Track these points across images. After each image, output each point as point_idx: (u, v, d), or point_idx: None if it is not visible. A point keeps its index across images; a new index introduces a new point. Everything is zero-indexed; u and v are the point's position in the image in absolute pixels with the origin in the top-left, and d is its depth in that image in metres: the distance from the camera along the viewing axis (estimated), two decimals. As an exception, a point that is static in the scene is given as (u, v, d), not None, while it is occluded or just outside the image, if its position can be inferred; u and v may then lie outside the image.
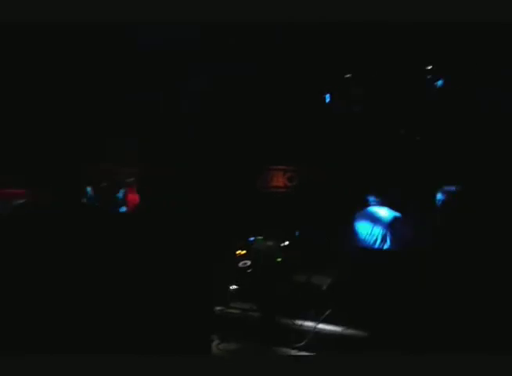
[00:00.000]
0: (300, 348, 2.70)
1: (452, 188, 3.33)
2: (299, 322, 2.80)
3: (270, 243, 3.39)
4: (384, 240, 3.63)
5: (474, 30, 4.01)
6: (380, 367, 1.73)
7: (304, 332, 2.75)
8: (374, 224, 3.67)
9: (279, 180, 5.36)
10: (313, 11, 2.80)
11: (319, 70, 5.02)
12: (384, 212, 3.72)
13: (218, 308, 2.89)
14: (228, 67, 4.98)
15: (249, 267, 3.15)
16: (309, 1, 2.80)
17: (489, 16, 2.51)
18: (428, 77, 4.86)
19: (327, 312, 2.77)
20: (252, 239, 3.46)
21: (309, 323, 2.78)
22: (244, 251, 3.29)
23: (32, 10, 2.61)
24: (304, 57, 4.84)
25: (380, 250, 3.57)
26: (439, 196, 3.34)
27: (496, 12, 2.48)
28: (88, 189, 4.39)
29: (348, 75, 5.16)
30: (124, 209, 4.46)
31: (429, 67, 4.84)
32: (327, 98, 5.28)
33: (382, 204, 3.77)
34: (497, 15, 2.49)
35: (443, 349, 1.73)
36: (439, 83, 4.85)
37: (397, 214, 3.71)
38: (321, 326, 2.75)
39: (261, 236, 3.49)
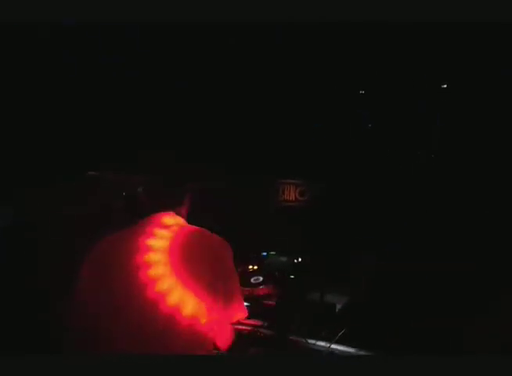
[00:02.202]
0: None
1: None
2: (312, 341, 2.75)
3: (284, 258, 3.29)
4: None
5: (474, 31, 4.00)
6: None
7: (317, 351, 2.71)
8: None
9: (290, 194, 5.34)
10: (313, 11, 2.80)
11: (324, 75, 5.00)
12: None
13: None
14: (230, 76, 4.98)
15: (261, 283, 3.06)
16: (309, 1, 2.80)
17: (489, 16, 2.51)
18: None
19: (341, 332, 2.65)
20: (265, 254, 3.36)
21: (322, 343, 2.73)
22: (256, 267, 3.21)
23: (30, 10, 2.61)
24: (304, 58, 4.83)
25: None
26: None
27: (496, 12, 2.48)
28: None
29: (362, 91, 5.13)
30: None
31: (444, 86, 4.81)
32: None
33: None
34: (497, 15, 2.49)
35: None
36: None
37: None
38: (334, 346, 2.63)
39: (273, 251, 3.39)
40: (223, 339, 2.02)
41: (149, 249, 1.80)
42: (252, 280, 3.07)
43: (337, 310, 2.98)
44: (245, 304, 2.80)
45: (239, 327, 2.78)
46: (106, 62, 4.59)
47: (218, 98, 5.21)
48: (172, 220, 1.95)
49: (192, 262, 1.83)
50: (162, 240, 1.84)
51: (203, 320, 1.81)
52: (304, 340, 2.68)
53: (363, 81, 5.11)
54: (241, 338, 2.70)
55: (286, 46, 4.73)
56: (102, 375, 1.54)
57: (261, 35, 4.47)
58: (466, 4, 2.50)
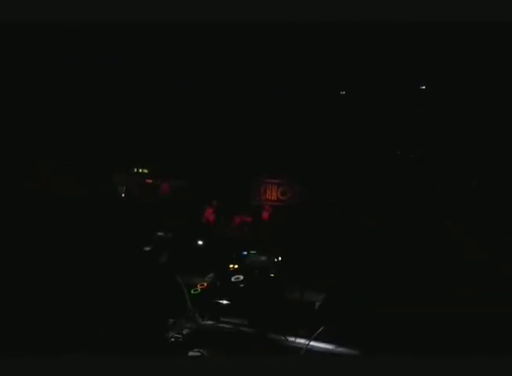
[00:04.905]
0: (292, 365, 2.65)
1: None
2: (291, 338, 2.77)
3: (263, 257, 3.33)
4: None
5: (474, 30, 4.00)
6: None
7: (297, 349, 2.73)
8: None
9: (272, 193, 5.41)
10: (313, 11, 2.80)
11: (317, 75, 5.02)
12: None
13: (209, 322, 2.84)
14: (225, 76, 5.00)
15: (241, 282, 3.09)
16: (309, 1, 2.81)
17: (489, 16, 2.51)
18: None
19: (320, 329, 2.69)
20: (245, 253, 3.40)
21: (301, 340, 2.75)
22: (237, 266, 3.24)
23: (31, 10, 2.61)
24: (304, 57, 4.84)
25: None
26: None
27: (496, 12, 2.48)
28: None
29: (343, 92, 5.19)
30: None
31: (423, 87, 4.87)
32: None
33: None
34: (497, 15, 2.50)
35: (439, 369, 1.71)
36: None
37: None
38: (313, 343, 2.67)
39: (254, 250, 3.42)
40: None
41: None
42: (233, 278, 3.11)
43: (316, 308, 3.02)
44: (226, 302, 2.85)
45: (220, 325, 2.83)
46: (106, 62, 4.59)
47: (217, 97, 5.21)
48: None
49: None
50: None
51: None
52: (283, 337, 2.70)
53: (358, 80, 5.12)
54: (222, 336, 2.73)
55: (286, 46, 4.73)
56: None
57: (261, 35, 4.47)
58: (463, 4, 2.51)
